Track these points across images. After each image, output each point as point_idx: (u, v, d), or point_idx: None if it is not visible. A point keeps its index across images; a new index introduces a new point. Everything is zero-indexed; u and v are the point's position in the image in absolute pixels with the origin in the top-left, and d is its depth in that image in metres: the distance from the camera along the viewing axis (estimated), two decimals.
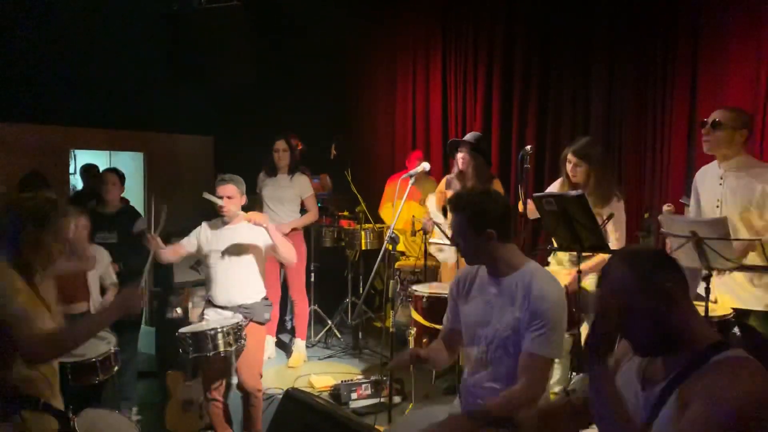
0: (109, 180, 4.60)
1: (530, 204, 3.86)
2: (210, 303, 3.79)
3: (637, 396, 1.62)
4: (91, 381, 3.36)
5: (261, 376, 3.76)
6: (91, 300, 4.00)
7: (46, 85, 5.83)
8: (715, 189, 3.38)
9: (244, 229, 3.72)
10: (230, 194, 3.68)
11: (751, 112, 4.34)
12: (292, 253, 3.75)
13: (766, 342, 3.26)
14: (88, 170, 6.02)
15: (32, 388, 2.34)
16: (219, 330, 3.41)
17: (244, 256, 3.70)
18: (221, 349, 3.41)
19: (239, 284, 3.70)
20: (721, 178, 3.35)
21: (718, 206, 3.36)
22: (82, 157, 6.84)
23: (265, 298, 3.79)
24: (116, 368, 3.53)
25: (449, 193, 4.67)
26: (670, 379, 1.53)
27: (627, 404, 1.63)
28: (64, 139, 6.34)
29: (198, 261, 4.96)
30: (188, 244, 3.84)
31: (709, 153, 3.38)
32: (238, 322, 3.52)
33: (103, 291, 4.13)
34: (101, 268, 4.12)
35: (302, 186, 5.41)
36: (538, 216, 3.90)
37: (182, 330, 3.51)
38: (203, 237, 3.81)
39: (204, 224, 3.87)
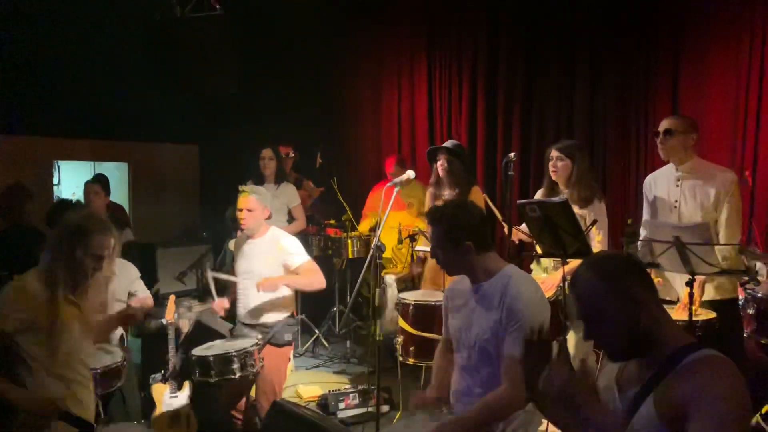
0: (90, 191, 4.57)
1: (514, 231, 3.98)
2: (239, 321, 3.72)
3: (615, 399, 1.64)
4: (229, 375, 3.33)
5: None
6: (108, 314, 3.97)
7: (28, 96, 5.78)
8: (672, 190, 3.53)
9: (266, 244, 3.61)
10: (251, 207, 3.55)
11: (731, 116, 4.42)
12: (316, 283, 3.63)
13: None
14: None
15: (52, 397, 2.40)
16: (224, 355, 3.31)
17: (265, 271, 3.57)
18: (226, 376, 3.31)
19: (259, 302, 3.60)
20: (678, 180, 3.50)
21: (676, 206, 3.50)
22: (66, 168, 6.79)
23: (291, 316, 3.67)
24: (119, 384, 3.48)
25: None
26: (645, 381, 1.55)
27: (607, 410, 1.65)
28: (48, 150, 6.29)
29: (183, 272, 4.93)
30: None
31: (665, 159, 3.54)
32: (245, 348, 3.38)
33: None
34: (125, 282, 4.09)
35: (289, 195, 5.40)
36: (519, 238, 4.00)
37: (195, 352, 3.43)
38: (235, 255, 3.72)
39: (231, 242, 3.80)
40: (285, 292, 3.69)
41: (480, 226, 2.38)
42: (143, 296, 4.17)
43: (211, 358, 3.33)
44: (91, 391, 2.56)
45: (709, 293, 3.43)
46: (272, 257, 3.62)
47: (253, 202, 3.55)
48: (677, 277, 3.45)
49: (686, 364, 1.49)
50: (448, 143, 4.66)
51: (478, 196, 4.44)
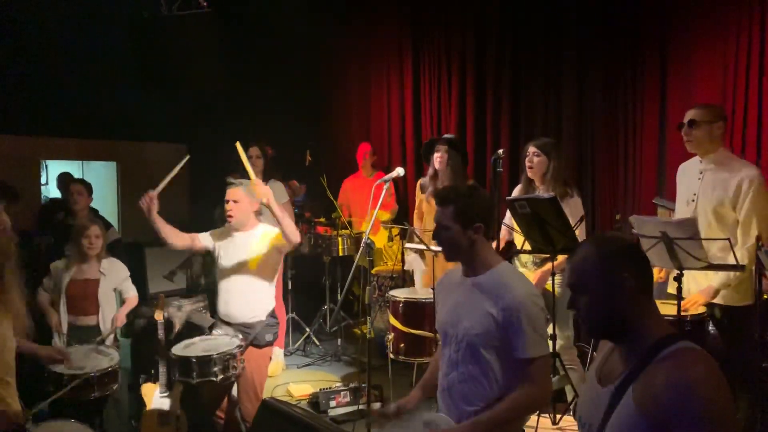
0: (75, 190, 4.57)
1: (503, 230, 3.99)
2: (218, 318, 3.69)
3: (597, 393, 1.65)
4: (86, 396, 3.31)
5: None
6: (101, 313, 3.97)
7: (15, 95, 5.73)
8: (693, 183, 3.45)
9: (255, 237, 3.57)
10: (237, 198, 3.52)
11: None
12: (293, 230, 3.50)
13: (736, 336, 3.33)
14: (61, 178, 5.90)
15: None
16: (207, 357, 3.30)
17: (250, 268, 3.55)
18: (207, 378, 3.30)
19: (241, 300, 3.57)
20: (701, 173, 3.41)
21: (693, 200, 3.42)
22: (54, 168, 6.74)
23: (272, 315, 3.64)
24: (115, 386, 3.47)
25: (424, 197, 4.68)
26: (624, 374, 1.57)
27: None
28: (35, 150, 6.24)
29: (172, 271, 4.91)
30: (203, 238, 3.66)
31: (692, 152, 3.44)
32: (228, 351, 3.36)
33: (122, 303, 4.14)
34: (115, 281, 4.09)
35: (277, 193, 5.36)
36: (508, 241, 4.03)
37: (174, 351, 3.41)
38: (216, 240, 3.65)
39: (219, 229, 3.71)
40: (266, 291, 3.65)
41: (491, 211, 2.40)
42: (131, 296, 4.17)
43: (194, 360, 3.30)
44: (15, 390, 2.47)
45: (725, 299, 3.34)
46: (260, 251, 3.57)
47: (239, 194, 3.52)
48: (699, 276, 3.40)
49: (663, 356, 1.51)
50: (447, 136, 4.67)
51: None
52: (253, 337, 3.54)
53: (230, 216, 3.52)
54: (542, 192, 3.82)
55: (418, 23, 6.43)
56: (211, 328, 3.75)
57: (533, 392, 2.20)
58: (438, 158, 4.52)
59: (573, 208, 3.76)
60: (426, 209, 4.73)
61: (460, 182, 4.41)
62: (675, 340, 1.54)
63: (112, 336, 3.99)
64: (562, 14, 5.35)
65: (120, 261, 4.22)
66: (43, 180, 6.65)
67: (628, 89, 5.01)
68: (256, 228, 3.64)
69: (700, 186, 3.40)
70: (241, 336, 3.53)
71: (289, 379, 5.04)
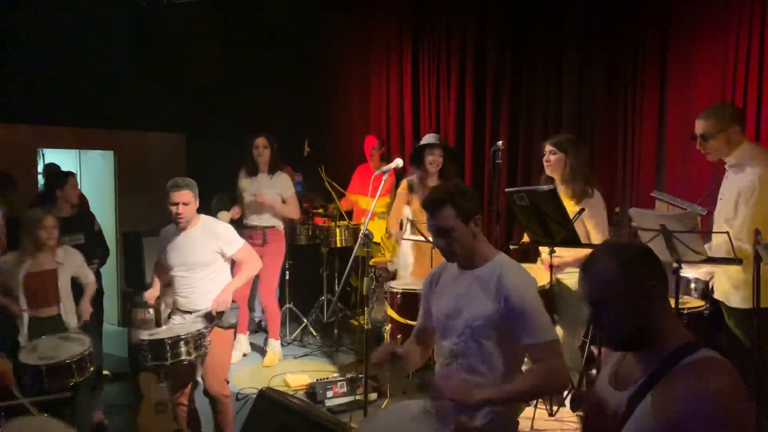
0: (71, 183, 4.62)
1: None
2: (175, 308, 3.73)
3: (611, 395, 1.62)
4: (66, 383, 3.32)
5: (228, 382, 3.69)
6: (61, 303, 3.94)
7: (12, 83, 5.70)
8: (723, 183, 3.35)
9: (199, 234, 3.62)
10: (186, 200, 3.53)
11: None
12: (254, 270, 3.80)
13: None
14: (49, 169, 5.89)
15: None
16: (180, 337, 3.34)
17: (202, 261, 3.61)
18: (181, 357, 3.35)
19: (199, 291, 3.63)
20: (726, 171, 3.32)
21: (720, 199, 3.34)
22: (51, 157, 6.71)
23: (232, 301, 3.70)
24: (92, 369, 3.50)
25: (414, 198, 4.61)
26: (643, 381, 1.52)
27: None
28: (32, 138, 6.20)
29: None
30: (160, 266, 3.77)
31: (714, 161, 3.34)
32: (199, 330, 3.44)
33: (79, 290, 4.09)
34: (72, 268, 4.06)
35: (283, 185, 5.35)
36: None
37: (141, 337, 3.44)
38: (162, 246, 3.72)
39: (161, 232, 3.78)
40: (222, 278, 3.71)
41: (481, 202, 2.39)
42: (90, 281, 4.14)
43: (167, 341, 3.33)
44: None
45: (735, 300, 3.24)
46: (207, 245, 3.62)
47: (188, 196, 3.54)
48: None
49: (684, 365, 1.47)
50: (433, 138, 4.61)
51: None
52: (217, 317, 3.59)
53: (181, 218, 3.56)
54: (563, 190, 3.77)
55: (419, 13, 6.39)
56: (169, 317, 3.76)
57: (546, 372, 2.19)
58: (432, 161, 4.49)
59: (592, 209, 3.72)
60: (417, 208, 4.66)
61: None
62: (696, 348, 1.50)
63: (75, 319, 3.97)
64: (564, 6, 5.32)
65: (95, 249, 4.22)
66: (40, 168, 6.62)
67: (628, 81, 4.99)
68: (198, 222, 3.66)
69: (725, 185, 3.32)
70: (203, 317, 3.59)
71: (286, 369, 5.04)
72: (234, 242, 3.68)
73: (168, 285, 3.79)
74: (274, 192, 5.27)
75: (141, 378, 3.98)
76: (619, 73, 5.05)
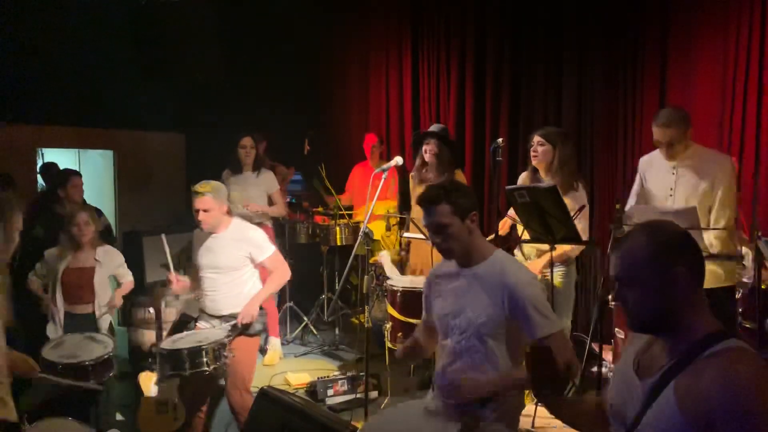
0: (75, 183, 4.62)
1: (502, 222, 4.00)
2: (202, 312, 3.70)
3: (633, 385, 1.59)
4: (203, 367, 3.29)
5: (251, 394, 3.56)
6: (96, 301, 3.97)
7: (11, 83, 5.69)
8: (667, 178, 3.52)
9: (230, 237, 3.59)
10: (206, 207, 3.48)
11: (719, 104, 4.42)
12: (284, 278, 3.76)
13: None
14: (49, 168, 5.88)
15: None
16: (199, 348, 3.28)
17: (231, 265, 3.58)
18: (199, 369, 3.27)
19: (226, 294, 3.59)
20: (674, 168, 3.50)
21: (671, 195, 3.50)
22: (50, 156, 6.70)
23: (260, 307, 3.63)
24: (111, 374, 3.47)
25: (420, 189, 4.64)
26: (665, 369, 1.50)
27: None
28: (31, 138, 6.20)
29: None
30: (193, 265, 3.75)
31: (671, 160, 3.52)
32: (219, 340, 3.36)
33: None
34: (111, 268, 4.11)
35: (268, 182, 5.40)
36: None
37: (164, 345, 3.38)
38: (195, 245, 3.70)
39: (195, 231, 3.73)
40: (250, 282, 3.67)
41: (476, 199, 2.38)
42: (128, 280, 4.18)
43: (185, 351, 3.28)
44: (9, 389, 2.40)
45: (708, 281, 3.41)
46: (238, 250, 3.59)
47: (208, 202, 3.47)
48: None
49: (711, 354, 1.44)
50: (435, 128, 4.66)
51: (461, 180, 4.48)
52: (242, 327, 3.54)
53: (205, 225, 3.54)
54: (547, 181, 3.79)
55: (418, 9, 6.38)
56: (196, 320, 3.74)
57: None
58: (429, 151, 4.53)
59: (578, 201, 3.74)
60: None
61: (448, 174, 4.43)
62: (723, 337, 1.47)
63: (108, 320, 3.98)
64: (563, 2, 5.31)
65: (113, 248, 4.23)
66: (39, 169, 6.62)
67: (628, 77, 4.98)
68: (230, 225, 3.63)
69: (676, 181, 3.47)
70: (229, 325, 3.53)
71: (286, 368, 5.03)
72: (265, 249, 3.64)
73: (198, 285, 3.75)
74: (260, 189, 5.32)
75: (140, 378, 3.99)
76: (619, 68, 5.03)
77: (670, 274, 1.50)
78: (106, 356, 3.43)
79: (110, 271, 4.09)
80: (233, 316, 3.56)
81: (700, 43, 4.54)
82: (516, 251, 4.09)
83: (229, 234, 3.60)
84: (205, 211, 3.47)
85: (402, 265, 5.12)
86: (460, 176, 4.57)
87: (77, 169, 6.44)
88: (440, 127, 4.71)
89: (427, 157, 4.55)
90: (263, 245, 3.65)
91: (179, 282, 3.65)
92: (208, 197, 3.47)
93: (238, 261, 3.60)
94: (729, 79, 4.33)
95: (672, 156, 3.47)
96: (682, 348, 1.49)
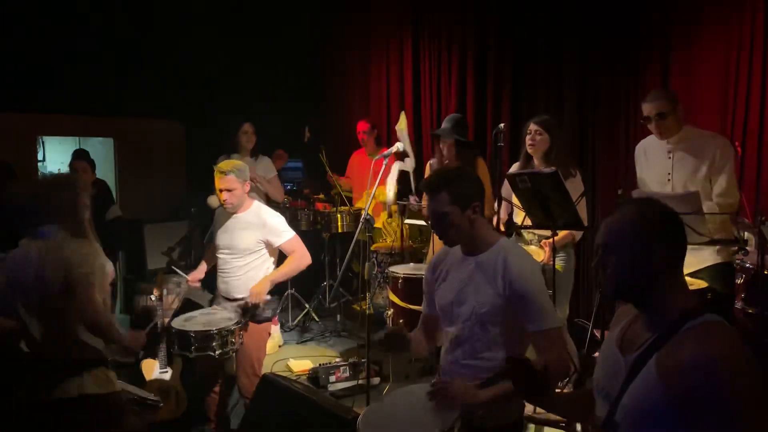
0: (79, 168, 4.56)
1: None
2: (218, 293, 3.73)
3: (617, 361, 1.63)
4: (209, 352, 3.34)
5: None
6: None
7: (11, 71, 5.67)
8: (664, 163, 3.53)
9: (248, 220, 3.60)
10: (230, 187, 3.49)
11: (722, 90, 4.40)
12: (303, 263, 3.71)
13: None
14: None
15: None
16: (208, 332, 3.30)
17: (245, 248, 3.59)
18: (206, 352, 3.30)
19: (238, 277, 3.61)
20: (670, 152, 3.50)
21: (669, 179, 3.50)
22: (50, 145, 6.69)
23: (271, 292, 3.63)
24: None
25: None
26: (646, 345, 1.54)
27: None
28: (31, 126, 6.18)
29: (171, 248, 4.91)
30: (210, 245, 3.79)
31: (665, 139, 3.53)
32: (226, 327, 3.37)
33: None
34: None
35: (265, 167, 5.41)
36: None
37: (174, 324, 3.41)
38: (216, 225, 3.73)
39: (216, 211, 3.76)
40: (267, 269, 3.67)
41: (483, 188, 2.35)
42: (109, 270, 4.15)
43: (192, 334, 3.30)
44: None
45: (706, 260, 3.42)
46: (253, 233, 3.60)
47: (232, 182, 3.48)
48: None
49: (690, 327, 1.49)
50: (447, 122, 4.55)
51: (483, 170, 4.42)
52: (252, 313, 3.54)
53: (228, 205, 3.54)
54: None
55: (419, 1, 6.33)
56: (212, 301, 3.76)
57: (549, 361, 2.17)
58: (445, 147, 4.49)
59: (574, 187, 3.73)
60: None
61: (463, 163, 4.37)
62: (701, 313, 1.51)
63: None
64: None
65: (119, 238, 4.21)
66: (39, 156, 6.60)
67: (630, 64, 4.94)
68: (251, 207, 3.64)
69: (673, 165, 3.46)
70: (240, 312, 3.53)
71: (288, 354, 5.05)
72: (282, 233, 3.64)
73: (213, 266, 3.79)
74: (257, 174, 5.30)
75: (143, 364, 4.00)
76: (621, 55, 4.99)
77: (649, 249, 1.54)
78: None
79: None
80: (245, 304, 3.57)
81: (702, 33, 4.50)
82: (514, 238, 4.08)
83: (248, 217, 3.61)
84: (228, 190, 3.48)
85: (404, 254, 5.12)
86: (482, 165, 4.51)
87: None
88: (454, 119, 4.62)
89: (444, 152, 4.51)
90: (281, 230, 3.65)
91: (193, 275, 3.75)
92: (232, 176, 3.48)
93: (253, 244, 3.60)
94: (732, 67, 4.30)
95: (665, 133, 3.46)
96: (663, 324, 1.54)
